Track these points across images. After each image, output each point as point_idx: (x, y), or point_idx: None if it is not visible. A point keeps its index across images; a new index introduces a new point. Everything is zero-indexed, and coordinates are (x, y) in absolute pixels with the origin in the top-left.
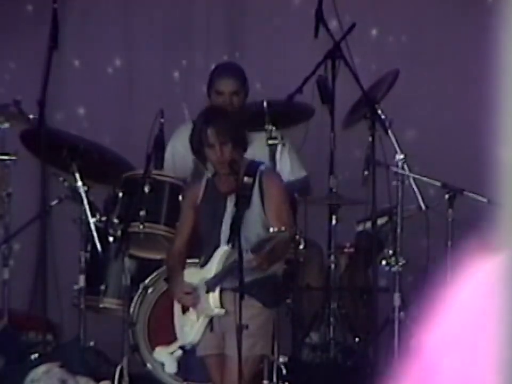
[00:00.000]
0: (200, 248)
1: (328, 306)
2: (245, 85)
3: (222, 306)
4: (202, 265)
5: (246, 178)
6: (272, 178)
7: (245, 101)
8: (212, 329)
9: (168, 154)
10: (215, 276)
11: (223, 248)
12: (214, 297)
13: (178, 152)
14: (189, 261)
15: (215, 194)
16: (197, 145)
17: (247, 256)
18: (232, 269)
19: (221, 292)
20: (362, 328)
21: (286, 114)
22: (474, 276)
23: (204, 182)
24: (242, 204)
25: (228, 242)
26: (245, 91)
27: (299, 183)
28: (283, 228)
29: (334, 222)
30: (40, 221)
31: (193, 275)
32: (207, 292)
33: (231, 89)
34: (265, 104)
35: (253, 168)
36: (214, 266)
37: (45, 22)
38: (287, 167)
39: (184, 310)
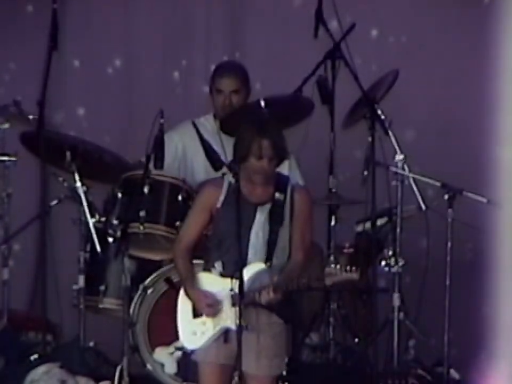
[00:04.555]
0: (215, 252)
1: (328, 306)
2: (246, 83)
3: (243, 322)
4: (225, 274)
5: (277, 194)
6: (303, 196)
7: (247, 100)
8: (226, 341)
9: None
10: (246, 292)
11: (259, 266)
12: (238, 312)
13: (171, 149)
14: (195, 261)
15: (240, 201)
16: (243, 152)
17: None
18: (262, 288)
19: (246, 306)
20: (362, 328)
21: (286, 113)
22: None
23: (225, 186)
24: (276, 221)
25: (266, 260)
26: (246, 90)
27: None
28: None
29: (333, 222)
30: (39, 221)
31: (212, 282)
32: (233, 305)
33: (231, 88)
34: (262, 103)
35: (282, 182)
36: (245, 282)
37: (45, 22)
38: (294, 175)
39: (196, 314)
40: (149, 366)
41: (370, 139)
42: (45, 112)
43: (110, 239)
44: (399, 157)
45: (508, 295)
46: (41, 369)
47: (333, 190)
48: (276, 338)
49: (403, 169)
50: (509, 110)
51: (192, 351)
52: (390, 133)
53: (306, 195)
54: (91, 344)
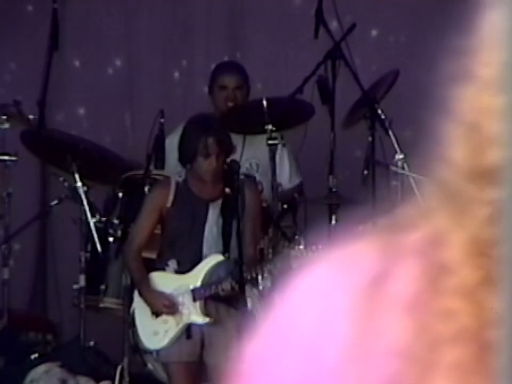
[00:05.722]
0: (168, 250)
1: None
2: (247, 81)
3: (207, 315)
4: (181, 271)
5: (227, 189)
6: (253, 190)
7: (247, 98)
8: (189, 337)
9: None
10: (206, 285)
11: (217, 258)
12: (201, 306)
13: (173, 150)
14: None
15: (191, 199)
16: (189, 152)
17: (226, 285)
18: (222, 279)
19: (205, 300)
20: None
21: (287, 114)
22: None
23: (173, 186)
24: (229, 215)
25: (224, 252)
26: (247, 87)
27: (294, 190)
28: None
29: (333, 221)
30: (40, 221)
31: (168, 280)
32: (195, 300)
33: (235, 84)
34: (264, 102)
35: (232, 177)
36: (203, 275)
37: (45, 22)
38: (286, 171)
39: (156, 314)
40: (149, 366)
41: (370, 139)
42: (46, 112)
43: (111, 239)
44: (399, 156)
45: (507, 294)
46: (42, 368)
47: (333, 190)
48: (236, 329)
49: (403, 168)
50: (509, 109)
51: (157, 352)
52: (390, 133)
53: (256, 189)
54: (91, 343)
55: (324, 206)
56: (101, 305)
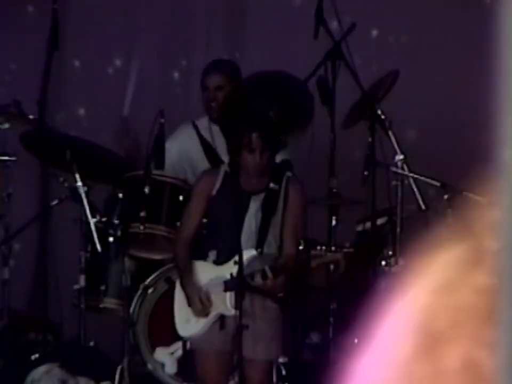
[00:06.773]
0: (210, 240)
1: (328, 306)
2: (232, 80)
3: (237, 307)
4: (218, 262)
5: (272, 184)
6: (298, 188)
7: (234, 95)
8: (222, 327)
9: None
10: (237, 278)
11: (251, 253)
12: (231, 297)
13: (172, 156)
14: None
15: (235, 190)
16: (236, 146)
17: (258, 280)
18: (255, 275)
19: (240, 292)
20: None
21: (285, 118)
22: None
23: (221, 174)
24: (269, 209)
25: (257, 247)
26: (231, 86)
27: None
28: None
29: (334, 222)
30: (40, 221)
31: (206, 270)
32: (225, 291)
33: (215, 84)
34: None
35: (278, 173)
36: (236, 267)
37: (45, 22)
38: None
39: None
40: (149, 366)
41: (370, 139)
42: (45, 112)
43: (111, 239)
44: (399, 157)
45: (507, 294)
46: (42, 369)
47: (333, 190)
48: (271, 322)
49: (403, 169)
50: (509, 110)
51: (189, 339)
52: (390, 133)
53: (301, 189)
54: (91, 344)
55: (324, 206)
56: (101, 305)
